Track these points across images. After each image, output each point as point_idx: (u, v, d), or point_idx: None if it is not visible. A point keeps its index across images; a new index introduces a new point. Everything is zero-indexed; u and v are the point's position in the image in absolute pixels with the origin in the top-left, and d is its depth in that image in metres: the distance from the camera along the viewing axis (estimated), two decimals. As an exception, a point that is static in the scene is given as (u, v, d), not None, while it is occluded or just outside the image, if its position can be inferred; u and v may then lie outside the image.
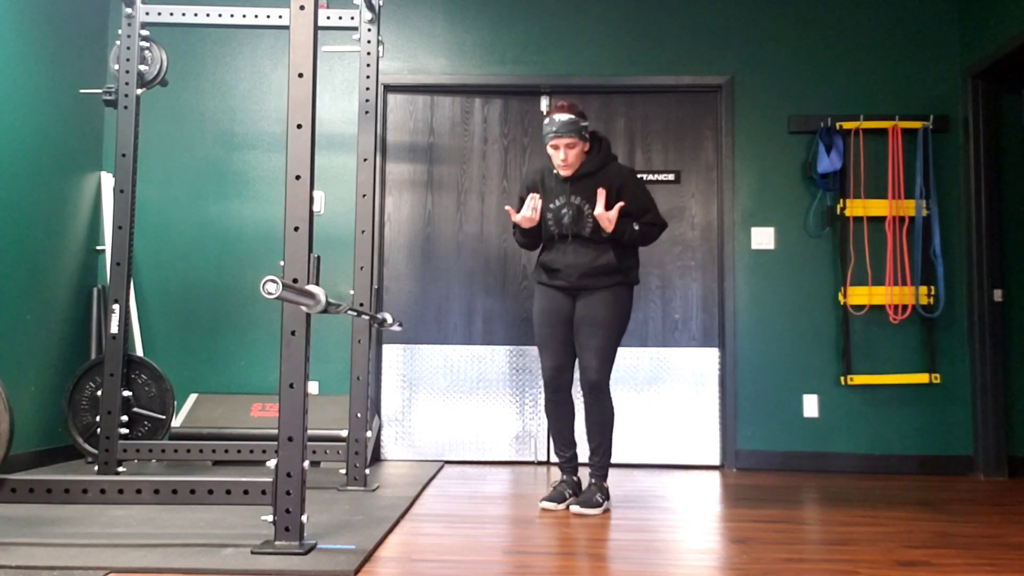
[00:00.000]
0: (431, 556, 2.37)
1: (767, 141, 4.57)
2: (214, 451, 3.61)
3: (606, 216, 3.06)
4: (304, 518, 2.31)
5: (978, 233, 4.38)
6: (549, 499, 3.17)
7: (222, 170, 4.63)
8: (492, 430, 4.55)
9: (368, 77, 3.62)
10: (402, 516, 2.95)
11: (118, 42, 3.73)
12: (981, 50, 4.35)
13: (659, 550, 2.51)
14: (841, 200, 4.48)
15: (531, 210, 3.14)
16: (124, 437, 3.71)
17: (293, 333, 2.33)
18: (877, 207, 4.46)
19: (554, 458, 4.53)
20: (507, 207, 3.28)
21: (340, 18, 3.77)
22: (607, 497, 3.15)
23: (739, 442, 4.44)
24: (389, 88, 4.71)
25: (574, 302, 3.21)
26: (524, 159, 4.69)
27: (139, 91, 3.73)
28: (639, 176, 3.27)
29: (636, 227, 3.15)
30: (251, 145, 4.65)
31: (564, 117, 3.11)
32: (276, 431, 4.05)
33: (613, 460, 4.48)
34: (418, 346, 4.60)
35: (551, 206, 3.20)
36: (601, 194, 3.08)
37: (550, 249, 3.24)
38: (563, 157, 3.12)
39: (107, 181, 4.55)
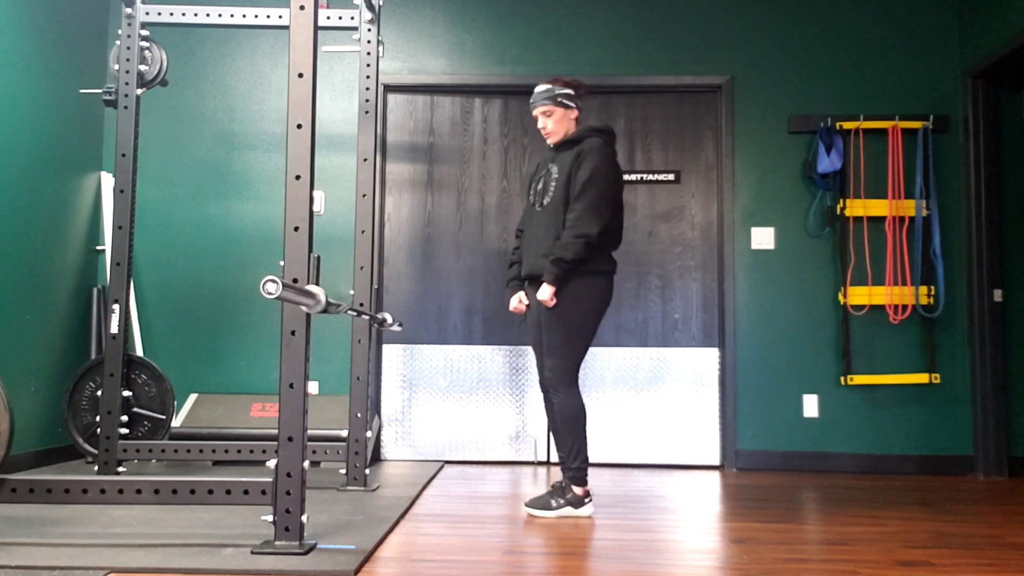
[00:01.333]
0: (431, 556, 2.37)
1: (767, 141, 4.57)
2: (214, 451, 3.61)
3: (546, 298, 3.01)
4: (304, 518, 2.31)
5: (978, 233, 4.38)
6: (529, 504, 3.08)
7: (222, 170, 4.63)
8: (492, 430, 4.55)
9: (368, 77, 3.62)
10: (402, 516, 2.95)
11: (118, 42, 3.73)
12: (981, 50, 4.35)
13: (659, 550, 2.51)
14: (841, 200, 4.48)
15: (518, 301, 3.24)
16: (124, 437, 3.71)
17: (293, 333, 2.33)
18: (877, 207, 4.46)
19: (554, 458, 4.54)
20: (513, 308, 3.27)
21: (340, 18, 3.77)
22: (578, 504, 3.01)
23: (739, 442, 4.44)
24: (389, 88, 4.71)
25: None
26: (524, 159, 4.69)
27: (139, 91, 3.73)
28: (610, 164, 3.04)
29: (556, 253, 2.98)
30: (251, 145, 4.65)
31: (540, 87, 3.17)
32: (276, 431, 4.05)
33: (613, 460, 4.49)
34: (418, 346, 4.60)
35: (535, 178, 3.27)
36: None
37: (524, 231, 3.25)
38: (541, 125, 3.18)
39: (107, 181, 4.55)
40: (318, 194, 4.61)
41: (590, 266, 3.03)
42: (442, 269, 4.65)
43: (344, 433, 4.03)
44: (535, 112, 3.17)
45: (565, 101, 3.14)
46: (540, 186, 3.19)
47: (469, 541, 2.58)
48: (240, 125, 4.65)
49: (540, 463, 4.53)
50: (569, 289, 3.02)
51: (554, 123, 3.15)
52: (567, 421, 3.02)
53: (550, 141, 3.18)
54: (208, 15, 3.80)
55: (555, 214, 3.09)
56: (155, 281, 4.57)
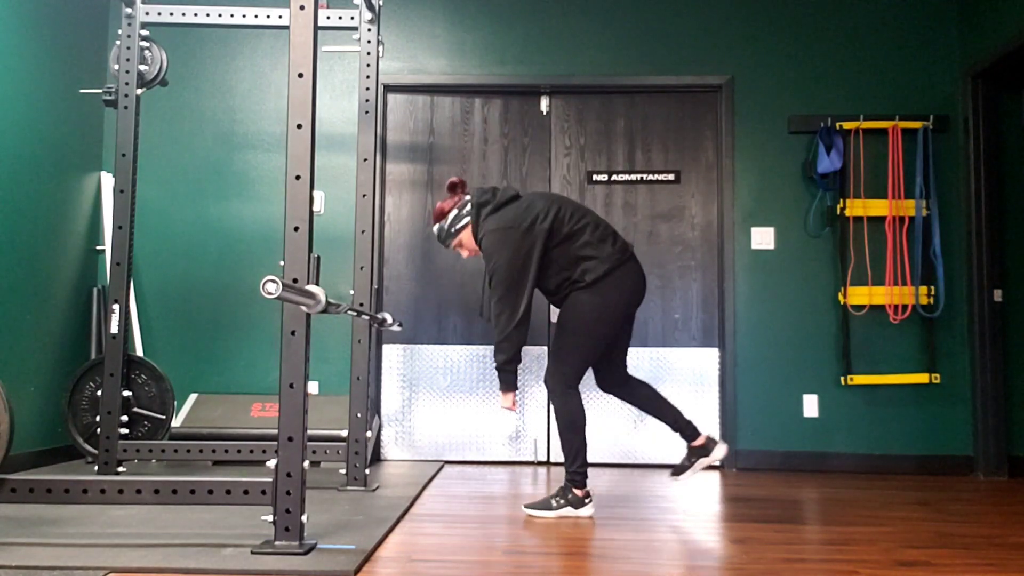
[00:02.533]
0: (431, 556, 2.37)
1: (767, 141, 4.57)
2: (214, 451, 3.61)
3: (510, 405, 3.07)
4: (304, 518, 2.31)
5: (978, 233, 4.38)
6: (528, 504, 3.08)
7: (222, 170, 4.63)
8: (492, 430, 4.55)
9: (368, 77, 3.62)
10: (402, 516, 2.95)
11: (118, 42, 3.73)
12: (981, 50, 4.35)
13: (659, 550, 2.51)
14: (841, 200, 4.48)
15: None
16: (124, 437, 3.71)
17: (293, 333, 2.33)
18: (877, 207, 4.46)
19: (554, 458, 4.54)
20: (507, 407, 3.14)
21: (340, 18, 3.77)
22: (578, 505, 3.01)
23: (739, 442, 4.44)
24: (389, 88, 4.71)
25: None
26: (524, 159, 4.69)
27: (139, 91, 3.73)
28: (500, 243, 3.00)
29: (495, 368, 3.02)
30: (251, 145, 4.65)
31: (433, 230, 3.25)
32: (276, 431, 4.05)
33: (613, 460, 4.49)
34: (418, 346, 4.60)
35: None
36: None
37: None
38: (465, 256, 3.26)
39: (107, 181, 4.55)
40: (318, 194, 4.61)
41: (579, 283, 3.02)
42: (442, 269, 4.65)
43: (344, 433, 4.02)
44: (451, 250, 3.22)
45: (457, 227, 3.16)
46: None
47: (469, 541, 2.58)
48: (240, 125, 4.65)
49: (540, 463, 4.53)
50: (577, 301, 3.04)
51: (466, 246, 3.21)
52: (563, 425, 3.02)
53: (476, 256, 3.23)
54: (208, 15, 3.80)
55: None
56: (155, 281, 4.57)
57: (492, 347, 4.57)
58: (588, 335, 3.02)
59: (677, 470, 3.21)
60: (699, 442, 3.18)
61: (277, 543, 2.28)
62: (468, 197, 3.18)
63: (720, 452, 3.16)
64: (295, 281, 2.32)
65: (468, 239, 3.18)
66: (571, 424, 3.01)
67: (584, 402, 4.37)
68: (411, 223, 4.68)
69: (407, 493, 3.38)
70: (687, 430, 3.17)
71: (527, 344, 4.56)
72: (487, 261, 3.03)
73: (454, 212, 3.17)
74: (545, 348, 4.57)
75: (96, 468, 3.66)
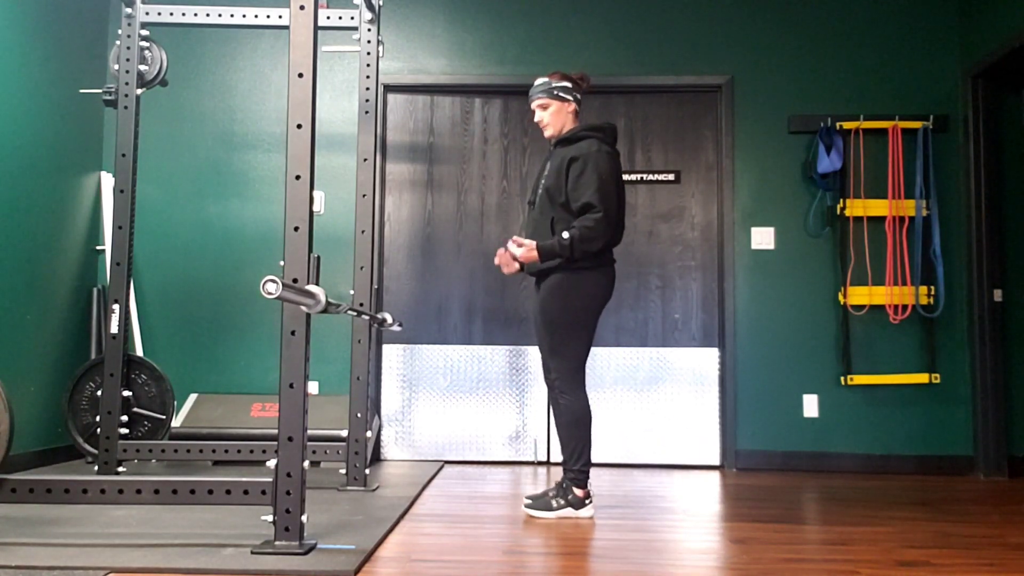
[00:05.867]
0: (431, 556, 2.37)
1: (767, 141, 4.57)
2: (214, 451, 3.61)
3: (520, 255, 3.00)
4: (304, 518, 2.31)
5: (978, 233, 4.38)
6: (529, 504, 3.05)
7: (222, 170, 4.63)
8: (492, 430, 4.55)
9: (368, 77, 3.62)
10: (402, 516, 2.95)
11: (118, 42, 3.73)
12: (981, 50, 4.35)
13: (659, 550, 2.51)
14: (841, 200, 4.48)
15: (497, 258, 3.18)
16: (124, 437, 3.71)
17: (293, 333, 2.33)
18: (877, 207, 4.46)
19: (554, 458, 4.54)
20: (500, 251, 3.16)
21: (340, 18, 3.77)
22: (578, 505, 2.99)
23: (739, 442, 4.44)
24: (389, 88, 4.71)
25: None
26: (524, 159, 4.69)
27: (139, 91, 3.73)
28: (607, 161, 3.00)
29: (565, 235, 2.92)
30: (251, 145, 4.65)
31: (538, 81, 3.17)
32: (276, 431, 4.05)
33: (613, 460, 4.49)
34: (418, 346, 4.60)
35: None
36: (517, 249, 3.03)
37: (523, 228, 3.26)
38: (538, 119, 3.18)
39: (107, 181, 4.55)
40: (318, 194, 4.61)
41: (579, 262, 2.99)
42: (442, 269, 4.65)
43: (344, 433, 4.02)
44: (532, 105, 3.18)
45: (561, 94, 3.12)
46: (535, 183, 3.21)
47: (469, 541, 2.58)
48: (240, 125, 4.65)
49: (540, 463, 4.53)
50: (560, 288, 3.01)
51: (550, 116, 3.14)
52: (572, 423, 2.99)
53: (546, 134, 3.19)
54: (208, 15, 3.80)
55: (542, 213, 3.09)
56: (155, 281, 4.57)
57: (492, 346, 4.56)
58: (585, 324, 3.02)
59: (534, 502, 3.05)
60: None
61: (277, 543, 2.28)
62: (580, 96, 3.18)
63: (588, 512, 3.00)
64: (295, 281, 2.32)
65: (558, 112, 3.13)
66: (580, 424, 2.98)
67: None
68: (411, 223, 4.68)
69: (407, 493, 3.38)
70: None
71: (522, 345, 4.56)
72: (582, 167, 2.97)
73: (569, 85, 3.14)
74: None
75: (96, 468, 3.65)
